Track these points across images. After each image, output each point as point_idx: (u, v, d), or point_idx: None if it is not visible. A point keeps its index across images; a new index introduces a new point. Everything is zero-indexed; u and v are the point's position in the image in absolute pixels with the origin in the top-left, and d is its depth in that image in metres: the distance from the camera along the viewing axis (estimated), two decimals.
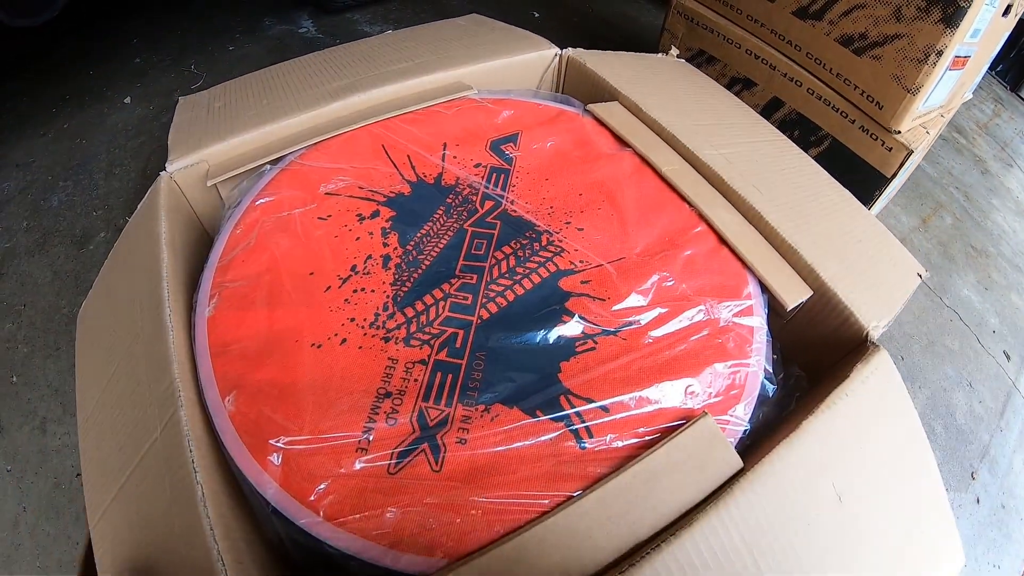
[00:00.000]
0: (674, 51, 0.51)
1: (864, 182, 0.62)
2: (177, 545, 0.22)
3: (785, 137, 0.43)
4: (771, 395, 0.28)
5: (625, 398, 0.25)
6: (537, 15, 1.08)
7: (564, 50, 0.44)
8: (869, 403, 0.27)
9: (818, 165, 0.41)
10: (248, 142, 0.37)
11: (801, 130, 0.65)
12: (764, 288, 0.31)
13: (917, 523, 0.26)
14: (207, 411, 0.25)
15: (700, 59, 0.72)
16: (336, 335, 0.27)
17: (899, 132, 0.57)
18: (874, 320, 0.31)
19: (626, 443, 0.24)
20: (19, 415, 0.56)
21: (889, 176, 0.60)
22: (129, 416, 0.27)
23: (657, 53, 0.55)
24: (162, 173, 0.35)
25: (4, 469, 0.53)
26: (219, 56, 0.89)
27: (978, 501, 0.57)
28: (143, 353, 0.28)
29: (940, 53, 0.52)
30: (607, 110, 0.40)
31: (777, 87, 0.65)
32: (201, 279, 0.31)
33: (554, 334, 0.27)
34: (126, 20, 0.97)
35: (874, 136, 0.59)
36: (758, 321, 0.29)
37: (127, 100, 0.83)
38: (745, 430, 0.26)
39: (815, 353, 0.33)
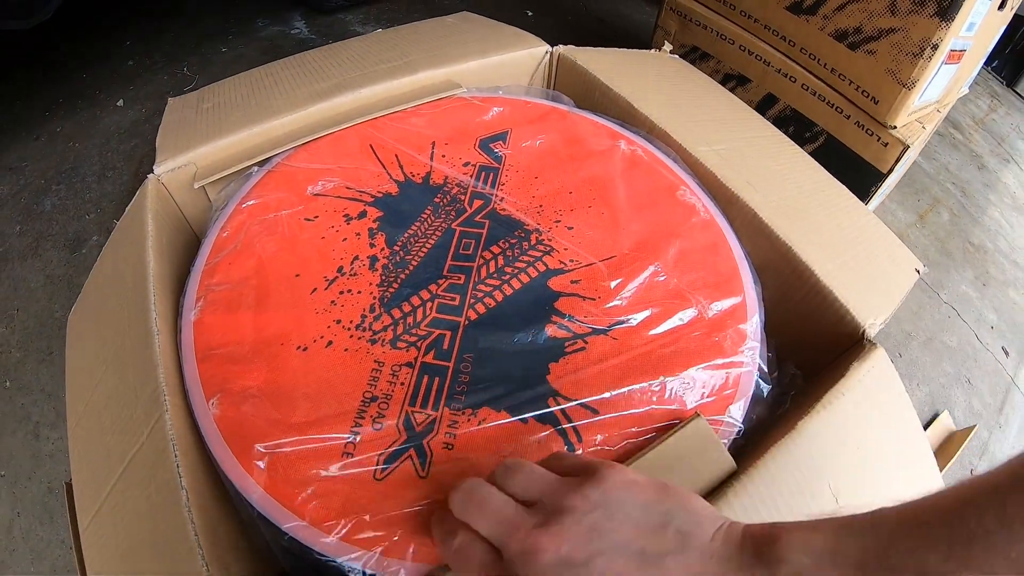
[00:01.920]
0: (667, 47, 0.51)
1: (860, 178, 0.61)
2: (162, 552, 0.22)
3: (781, 133, 0.42)
4: (766, 395, 0.28)
5: (615, 398, 0.24)
6: (530, 14, 1.08)
7: (555, 47, 0.44)
8: (866, 402, 0.27)
9: (814, 161, 0.40)
10: (236, 143, 0.37)
11: (796, 126, 0.64)
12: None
13: None
14: (193, 416, 0.25)
15: (693, 56, 0.71)
16: (322, 337, 0.26)
17: (895, 127, 0.57)
18: (871, 318, 0.30)
19: (616, 446, 0.23)
20: (12, 420, 0.56)
21: (885, 172, 0.59)
22: (116, 421, 0.26)
23: (651, 50, 0.54)
24: (150, 176, 0.35)
25: None
26: (212, 58, 0.89)
27: None
28: (130, 358, 0.27)
29: (935, 47, 0.51)
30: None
31: (771, 83, 0.64)
32: (187, 282, 0.30)
33: (543, 335, 0.26)
34: (119, 23, 0.97)
35: (869, 132, 0.59)
36: (753, 318, 0.29)
37: (120, 103, 0.82)
38: (739, 431, 0.26)
39: (811, 351, 0.32)
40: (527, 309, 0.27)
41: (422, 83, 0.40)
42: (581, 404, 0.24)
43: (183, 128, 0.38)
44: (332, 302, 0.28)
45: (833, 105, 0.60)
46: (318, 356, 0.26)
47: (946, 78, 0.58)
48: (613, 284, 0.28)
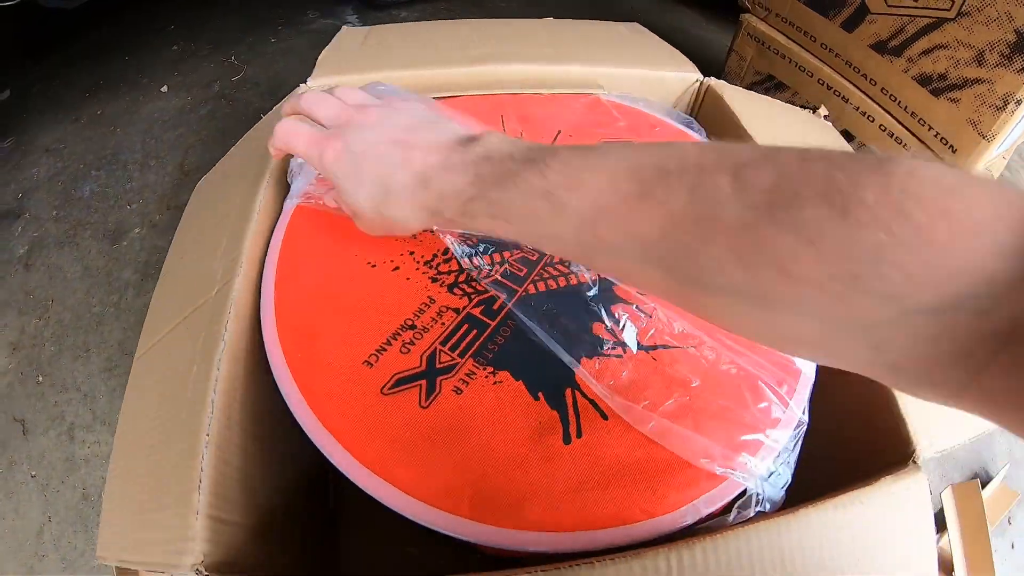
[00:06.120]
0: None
1: None
2: (188, 395, 0.23)
3: None
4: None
5: (627, 412, 0.24)
6: None
7: (707, 78, 0.44)
8: (883, 522, 0.23)
9: None
10: (384, 80, 0.39)
11: None
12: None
13: None
14: (258, 297, 0.27)
15: (768, 84, 0.72)
16: (391, 261, 0.29)
17: None
18: (926, 441, 0.24)
19: (615, 452, 0.23)
20: (45, 418, 0.55)
21: None
22: (191, 282, 0.29)
23: (722, 74, 0.53)
24: (301, 86, 0.39)
25: (28, 475, 0.52)
26: (261, 48, 0.88)
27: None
28: (224, 235, 0.29)
29: (1020, 102, 0.53)
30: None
31: (848, 120, 0.65)
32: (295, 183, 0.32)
33: (587, 329, 0.27)
34: (162, 6, 0.96)
35: None
36: (802, 388, 0.26)
37: (164, 89, 0.82)
38: (759, 494, 0.22)
39: (846, 447, 0.28)
40: (583, 301, 0.28)
41: (569, 75, 0.42)
42: (594, 404, 0.24)
43: (345, 55, 0.42)
44: (413, 235, 0.29)
45: (910, 149, 0.61)
46: (382, 275, 0.28)
47: (1021, 130, 0.60)
48: (675, 309, 0.27)
